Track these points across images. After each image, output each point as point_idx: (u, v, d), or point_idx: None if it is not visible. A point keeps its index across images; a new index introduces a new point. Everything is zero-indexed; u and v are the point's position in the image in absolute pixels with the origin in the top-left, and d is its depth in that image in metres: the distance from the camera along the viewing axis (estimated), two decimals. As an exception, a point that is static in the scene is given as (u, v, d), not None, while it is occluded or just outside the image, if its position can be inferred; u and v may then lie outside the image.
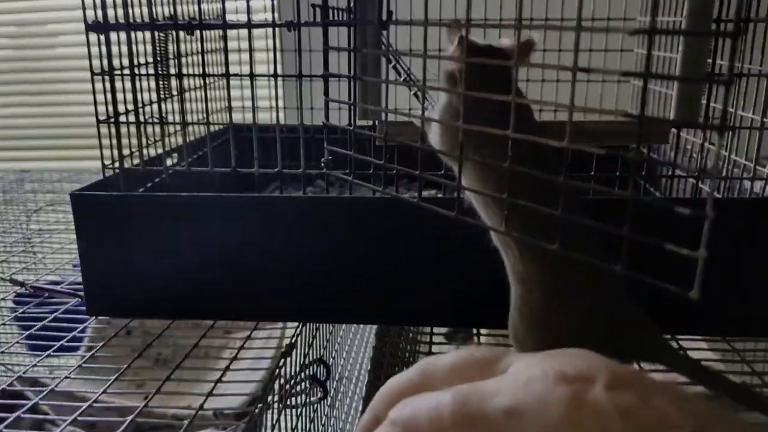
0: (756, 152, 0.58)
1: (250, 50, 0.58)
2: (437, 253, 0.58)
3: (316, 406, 0.72)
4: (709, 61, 0.55)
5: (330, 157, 0.60)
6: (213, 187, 0.70)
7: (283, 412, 0.76)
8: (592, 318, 0.43)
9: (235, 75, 0.64)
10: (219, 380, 0.54)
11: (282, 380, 0.58)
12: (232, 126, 0.61)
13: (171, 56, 0.76)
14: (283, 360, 0.56)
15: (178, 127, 0.73)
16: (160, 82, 0.66)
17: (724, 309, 0.54)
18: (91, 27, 0.59)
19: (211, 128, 0.87)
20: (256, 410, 0.51)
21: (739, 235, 0.53)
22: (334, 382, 0.89)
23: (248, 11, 0.57)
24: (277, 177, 0.61)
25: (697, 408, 0.24)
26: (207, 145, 0.69)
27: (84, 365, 0.63)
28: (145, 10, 0.58)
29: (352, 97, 0.57)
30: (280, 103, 0.76)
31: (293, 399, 0.73)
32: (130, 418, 0.50)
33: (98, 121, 0.62)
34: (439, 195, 0.84)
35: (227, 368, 0.56)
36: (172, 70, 0.73)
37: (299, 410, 0.67)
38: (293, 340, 0.59)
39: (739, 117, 0.58)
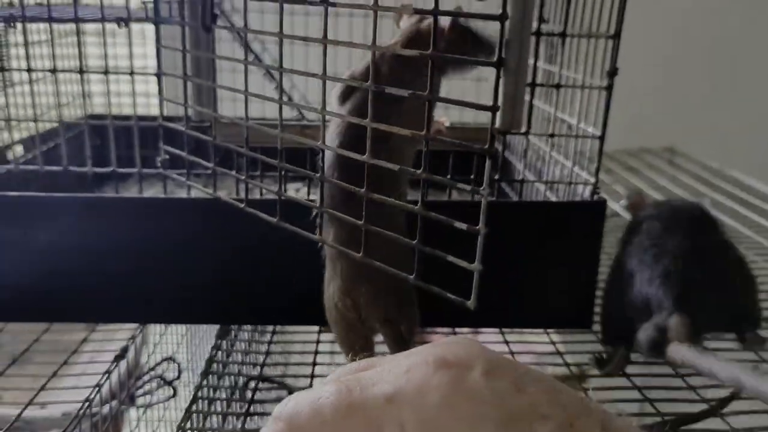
0: (576, 155, 0.62)
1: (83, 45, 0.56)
2: (263, 253, 0.58)
3: (166, 404, 0.71)
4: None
5: (167, 157, 0.59)
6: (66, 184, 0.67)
7: (132, 411, 0.75)
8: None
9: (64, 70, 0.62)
10: (45, 384, 0.53)
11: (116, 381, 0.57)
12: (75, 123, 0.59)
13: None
14: (115, 363, 0.55)
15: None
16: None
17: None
18: None
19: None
20: (82, 411, 0.50)
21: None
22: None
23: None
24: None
25: (567, 399, 0.25)
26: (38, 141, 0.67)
27: None
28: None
29: (186, 97, 0.56)
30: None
31: (143, 398, 0.72)
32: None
33: None
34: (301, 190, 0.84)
35: (54, 374, 0.54)
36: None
37: (145, 409, 0.66)
38: (128, 343, 0.58)
39: (559, 121, 0.62)
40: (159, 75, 0.56)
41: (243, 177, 0.50)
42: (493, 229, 0.60)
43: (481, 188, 0.34)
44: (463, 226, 0.35)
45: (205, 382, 0.54)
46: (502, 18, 0.31)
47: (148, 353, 0.83)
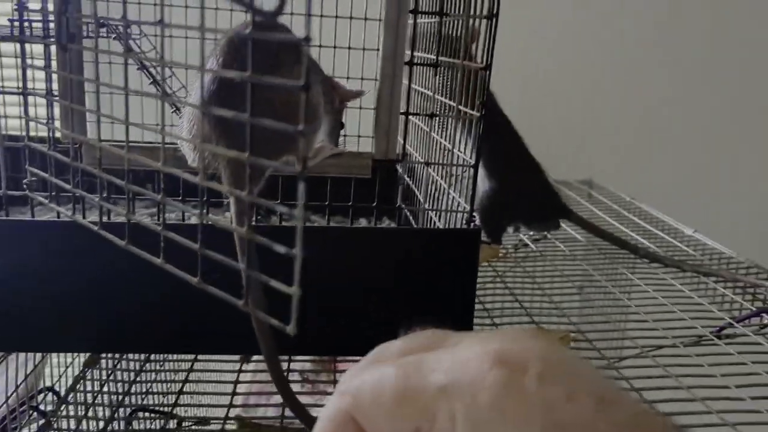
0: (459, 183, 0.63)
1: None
2: (132, 280, 0.57)
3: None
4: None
5: (34, 179, 0.57)
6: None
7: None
8: None
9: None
10: None
11: None
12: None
13: None
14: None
15: None
16: None
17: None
18: None
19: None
20: None
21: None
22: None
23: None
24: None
25: (621, 415, 0.24)
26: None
27: None
28: None
29: (50, 117, 0.54)
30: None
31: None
32: None
33: None
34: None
35: None
36: None
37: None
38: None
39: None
40: (24, 94, 0.54)
41: (97, 199, 0.49)
42: (370, 255, 0.61)
43: (295, 210, 0.34)
44: (282, 249, 0.35)
45: (62, 410, 0.52)
46: (306, 41, 0.32)
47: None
